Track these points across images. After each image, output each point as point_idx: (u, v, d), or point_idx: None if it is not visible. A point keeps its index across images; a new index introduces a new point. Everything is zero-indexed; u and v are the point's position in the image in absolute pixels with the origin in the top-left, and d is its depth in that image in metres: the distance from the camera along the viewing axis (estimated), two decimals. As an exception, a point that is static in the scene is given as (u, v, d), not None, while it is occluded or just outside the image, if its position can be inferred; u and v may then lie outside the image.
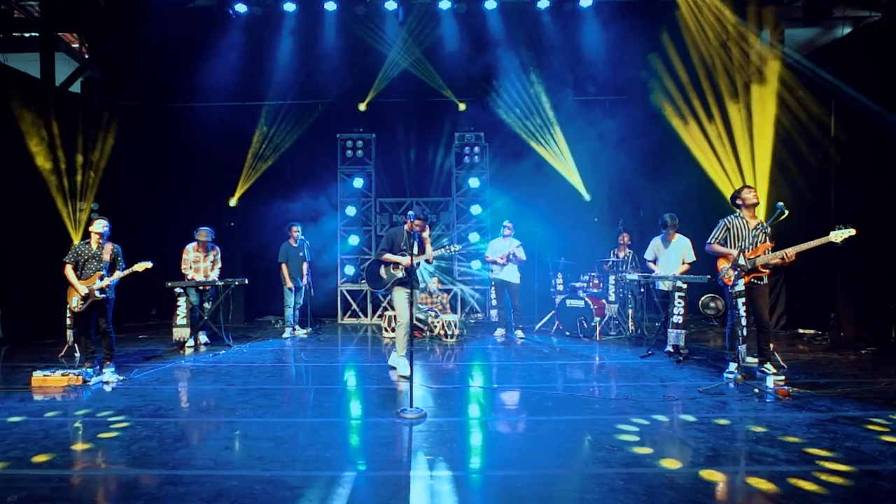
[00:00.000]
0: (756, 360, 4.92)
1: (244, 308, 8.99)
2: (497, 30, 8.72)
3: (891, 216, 5.84)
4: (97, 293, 5.03)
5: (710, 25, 7.83)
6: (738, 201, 4.98)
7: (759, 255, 4.72)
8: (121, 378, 4.99)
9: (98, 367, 5.11)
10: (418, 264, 5.37)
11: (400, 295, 5.17)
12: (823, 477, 2.77)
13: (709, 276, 5.82)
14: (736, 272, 4.67)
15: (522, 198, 8.98)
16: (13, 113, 7.21)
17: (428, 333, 7.40)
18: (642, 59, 8.33)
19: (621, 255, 7.47)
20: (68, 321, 5.90)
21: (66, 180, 7.79)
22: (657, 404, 4.08)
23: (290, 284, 7.59)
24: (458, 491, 2.68)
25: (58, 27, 8.76)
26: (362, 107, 9.43)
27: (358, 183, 9.30)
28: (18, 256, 7.23)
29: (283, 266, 7.61)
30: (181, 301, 6.70)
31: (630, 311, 7.18)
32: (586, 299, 7.13)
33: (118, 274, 5.19)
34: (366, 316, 9.21)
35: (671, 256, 6.19)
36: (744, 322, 4.61)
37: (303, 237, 7.85)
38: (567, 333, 7.34)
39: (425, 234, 5.31)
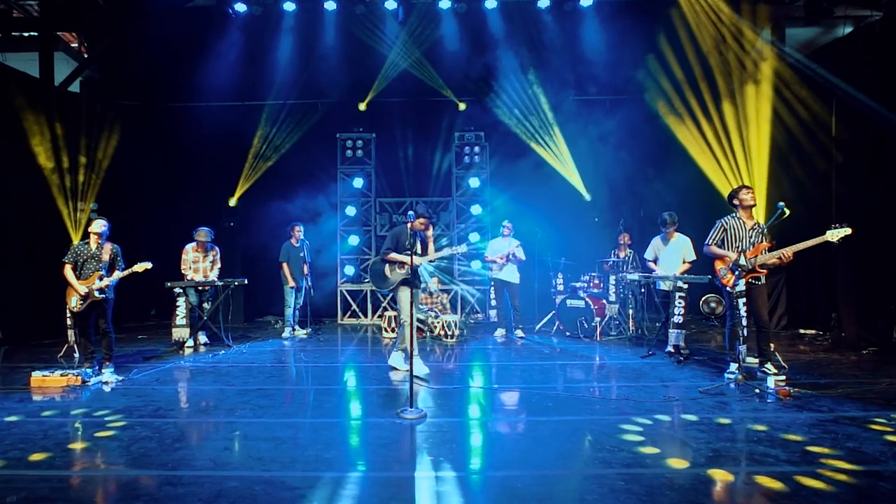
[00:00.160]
0: (757, 360, 4.91)
1: (244, 308, 8.98)
2: (497, 29, 8.71)
3: (892, 216, 5.83)
4: (96, 293, 5.01)
5: (711, 24, 7.81)
6: (735, 202, 4.96)
7: (756, 256, 4.71)
8: (120, 378, 4.98)
9: (97, 368, 5.10)
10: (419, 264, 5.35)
11: (405, 295, 5.11)
12: (825, 479, 2.76)
13: (709, 277, 5.80)
14: (736, 273, 4.66)
15: (522, 197, 8.97)
16: (12, 113, 7.19)
17: (428, 334, 7.39)
18: (643, 58, 8.33)
19: (622, 255, 7.45)
20: (68, 321, 5.89)
21: (65, 180, 7.78)
22: (658, 404, 4.07)
23: (292, 283, 7.58)
24: (458, 491, 2.67)
25: (57, 26, 8.75)
26: (362, 106, 9.42)
27: (358, 183, 9.29)
28: (17, 256, 7.21)
29: (284, 265, 7.60)
30: (180, 301, 6.69)
31: (630, 312, 7.17)
32: (587, 299, 7.12)
33: (117, 274, 5.17)
34: (366, 316, 9.20)
35: (671, 256, 6.18)
36: (744, 322, 4.60)
37: (303, 238, 7.84)
38: (567, 334, 7.33)
39: (429, 233, 5.28)
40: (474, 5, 8.58)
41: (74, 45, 9.79)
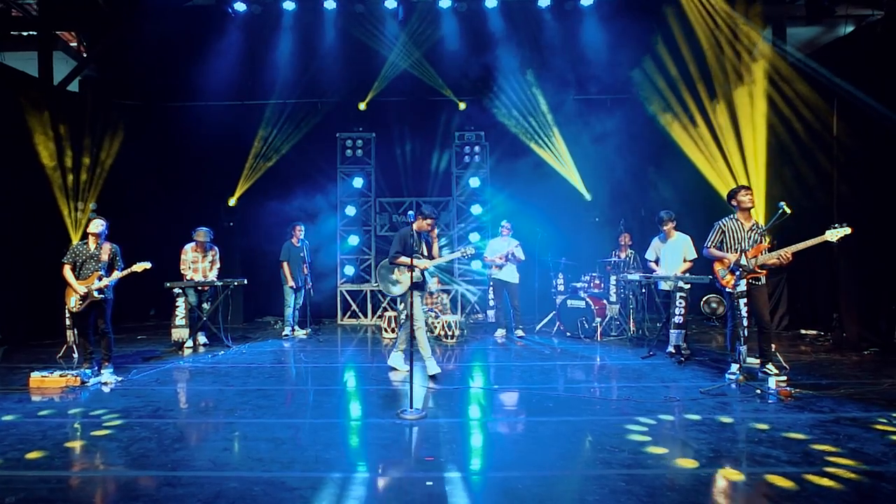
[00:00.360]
0: (758, 360, 4.90)
1: (243, 308, 8.96)
2: (497, 29, 8.69)
3: (893, 216, 5.81)
4: (95, 293, 5.00)
5: (713, 23, 7.79)
6: (734, 202, 4.95)
7: (757, 256, 4.69)
8: (119, 379, 4.97)
9: (96, 368, 5.09)
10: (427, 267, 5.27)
11: (415, 300, 4.96)
12: (826, 478, 2.75)
13: (710, 277, 5.79)
14: (736, 273, 4.65)
15: (523, 197, 8.95)
16: (11, 112, 7.17)
17: (428, 334, 7.36)
18: (644, 57, 8.31)
19: (622, 255, 7.44)
20: (67, 322, 5.88)
21: (64, 180, 7.76)
22: (658, 405, 4.06)
23: (291, 283, 7.57)
24: (458, 492, 2.66)
25: (56, 26, 8.74)
26: (362, 106, 9.41)
27: (358, 182, 9.27)
28: (16, 256, 7.19)
29: (285, 264, 7.59)
30: (180, 301, 6.68)
31: (631, 312, 7.16)
32: (587, 300, 7.10)
33: (117, 274, 5.16)
34: (365, 317, 9.19)
35: (672, 255, 6.15)
36: (745, 323, 4.59)
37: (304, 238, 7.83)
38: (568, 334, 7.32)
39: (434, 234, 5.23)
40: (474, 4, 8.57)
41: (73, 44, 9.77)
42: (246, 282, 7.21)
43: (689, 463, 2.99)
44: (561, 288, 7.91)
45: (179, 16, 8.66)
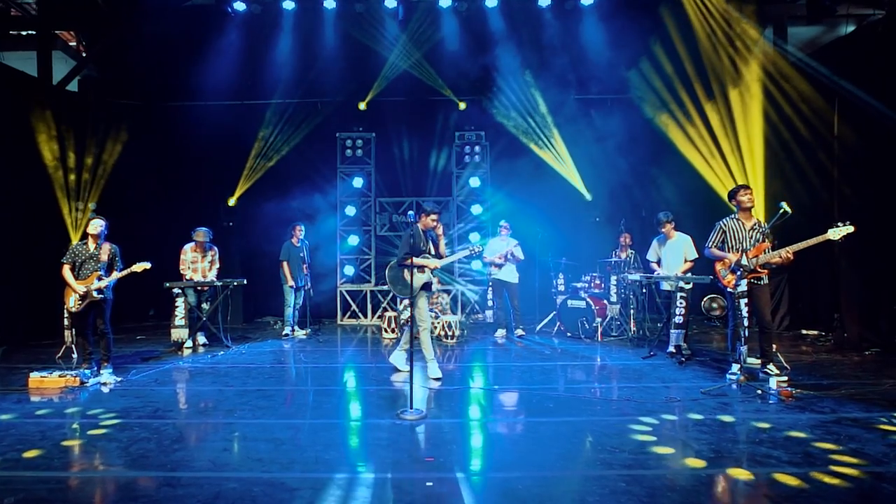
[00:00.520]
0: (759, 361, 4.89)
1: (243, 309, 8.95)
2: (498, 28, 8.67)
3: (895, 216, 5.80)
4: (95, 293, 4.99)
5: (714, 22, 7.78)
6: (734, 202, 4.94)
7: (758, 256, 4.68)
8: (118, 379, 4.96)
9: (95, 369, 5.08)
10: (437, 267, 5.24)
11: (423, 301, 4.97)
12: (826, 478, 2.74)
13: (711, 277, 5.78)
14: (737, 273, 4.64)
15: (523, 197, 8.94)
16: (10, 112, 7.16)
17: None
18: (645, 56, 8.29)
19: (623, 255, 7.43)
20: (66, 322, 5.86)
21: (64, 180, 7.75)
22: (659, 405, 4.05)
23: (291, 283, 7.56)
24: (458, 493, 2.65)
25: (55, 25, 8.72)
26: (362, 106, 9.40)
27: (357, 182, 9.26)
28: (16, 256, 7.18)
29: (285, 264, 7.59)
30: (179, 302, 6.67)
31: (632, 312, 7.15)
32: (588, 300, 7.09)
33: (116, 274, 5.15)
34: (365, 317, 9.17)
35: (672, 255, 6.15)
36: (746, 323, 4.58)
37: (304, 238, 7.82)
38: (568, 334, 7.31)
39: (439, 231, 5.20)
40: (475, 4, 8.55)
41: (73, 43, 9.76)
42: (245, 282, 7.20)
43: (689, 463, 2.98)
44: (561, 288, 7.90)
45: (179, 15, 8.65)
